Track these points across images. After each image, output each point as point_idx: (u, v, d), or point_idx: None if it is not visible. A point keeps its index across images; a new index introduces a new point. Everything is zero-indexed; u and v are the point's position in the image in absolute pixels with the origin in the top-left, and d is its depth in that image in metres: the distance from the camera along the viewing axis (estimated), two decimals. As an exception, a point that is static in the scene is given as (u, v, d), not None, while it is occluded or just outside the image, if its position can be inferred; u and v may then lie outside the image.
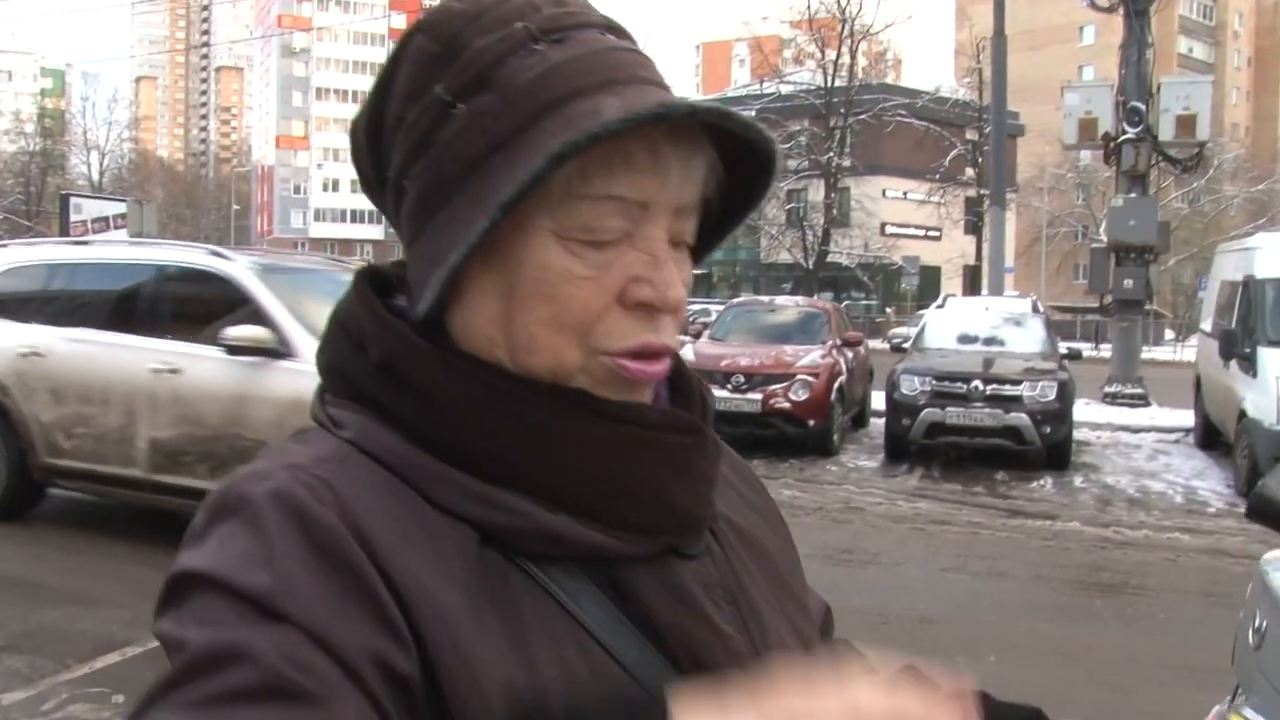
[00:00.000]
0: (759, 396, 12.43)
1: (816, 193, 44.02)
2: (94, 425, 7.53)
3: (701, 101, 0.76)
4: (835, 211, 43.44)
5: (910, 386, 12.25)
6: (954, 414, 11.91)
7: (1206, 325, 14.44)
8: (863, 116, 41.80)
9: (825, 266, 43.23)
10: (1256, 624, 2.80)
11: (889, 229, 47.14)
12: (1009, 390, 11.83)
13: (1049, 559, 8.11)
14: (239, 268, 7.42)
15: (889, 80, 50.06)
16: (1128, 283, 15.90)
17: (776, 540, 0.97)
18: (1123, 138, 16.02)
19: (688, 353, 13.38)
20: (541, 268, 0.77)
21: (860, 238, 44.76)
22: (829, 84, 40.30)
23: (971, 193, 43.22)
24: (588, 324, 0.78)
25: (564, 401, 0.78)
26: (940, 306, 15.16)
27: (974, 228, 42.39)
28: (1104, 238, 16.53)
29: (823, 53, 41.05)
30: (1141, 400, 16.59)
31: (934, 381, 12.11)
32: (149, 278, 7.83)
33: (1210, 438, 13.56)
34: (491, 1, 0.79)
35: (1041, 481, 11.36)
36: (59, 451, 7.70)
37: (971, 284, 35.23)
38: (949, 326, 13.95)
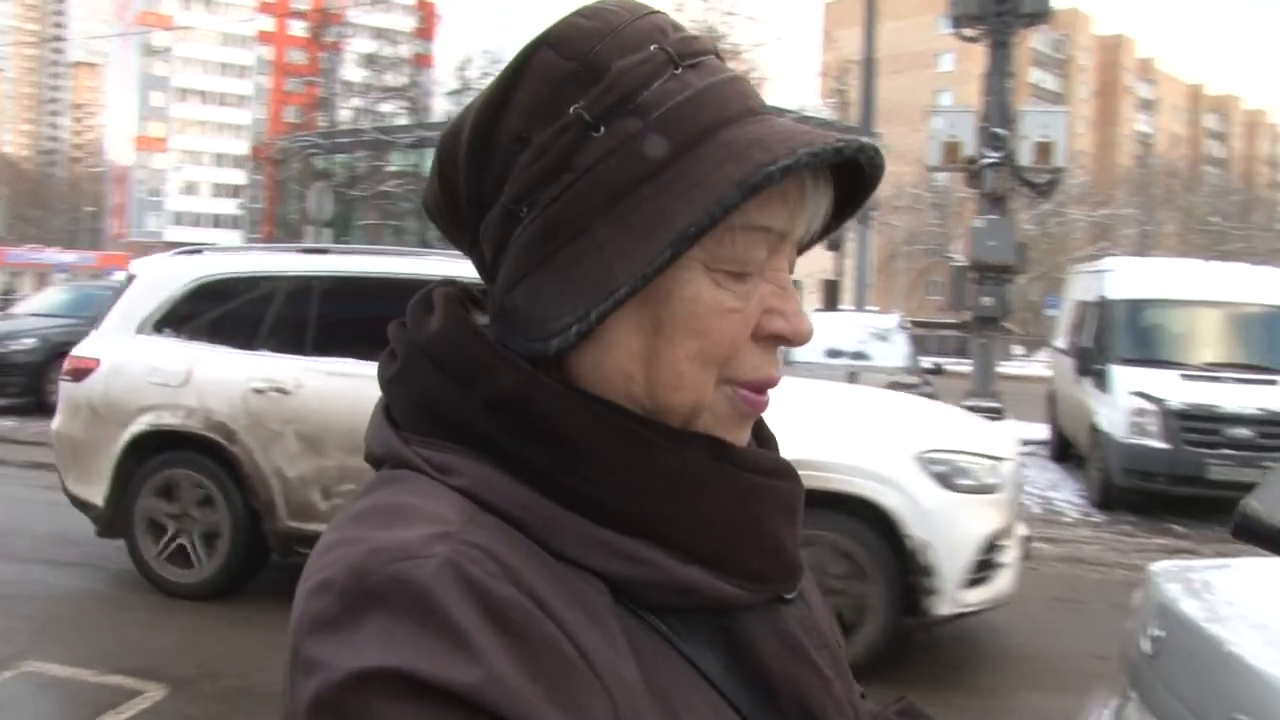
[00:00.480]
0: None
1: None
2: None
3: (863, 139, 0.76)
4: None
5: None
6: (824, 427, 12.10)
7: (1060, 342, 15.04)
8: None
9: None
10: (1152, 633, 2.93)
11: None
12: (876, 404, 12.10)
13: (918, 568, 8.32)
14: None
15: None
16: (986, 301, 16.43)
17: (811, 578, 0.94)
18: (984, 161, 16.58)
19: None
20: (692, 301, 0.74)
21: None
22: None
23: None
24: (729, 358, 0.76)
25: (702, 450, 0.75)
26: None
27: (834, 244, 43.29)
28: (960, 256, 17.08)
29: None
30: (997, 414, 17.16)
31: (804, 395, 12.31)
32: None
33: (1063, 450, 14.15)
34: (620, 20, 0.76)
35: (907, 493, 11.63)
36: (311, 514, 6.14)
37: (830, 298, 35.90)
38: (816, 341, 14.21)
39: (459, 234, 0.80)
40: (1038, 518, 10.66)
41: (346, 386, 6.00)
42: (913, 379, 12.81)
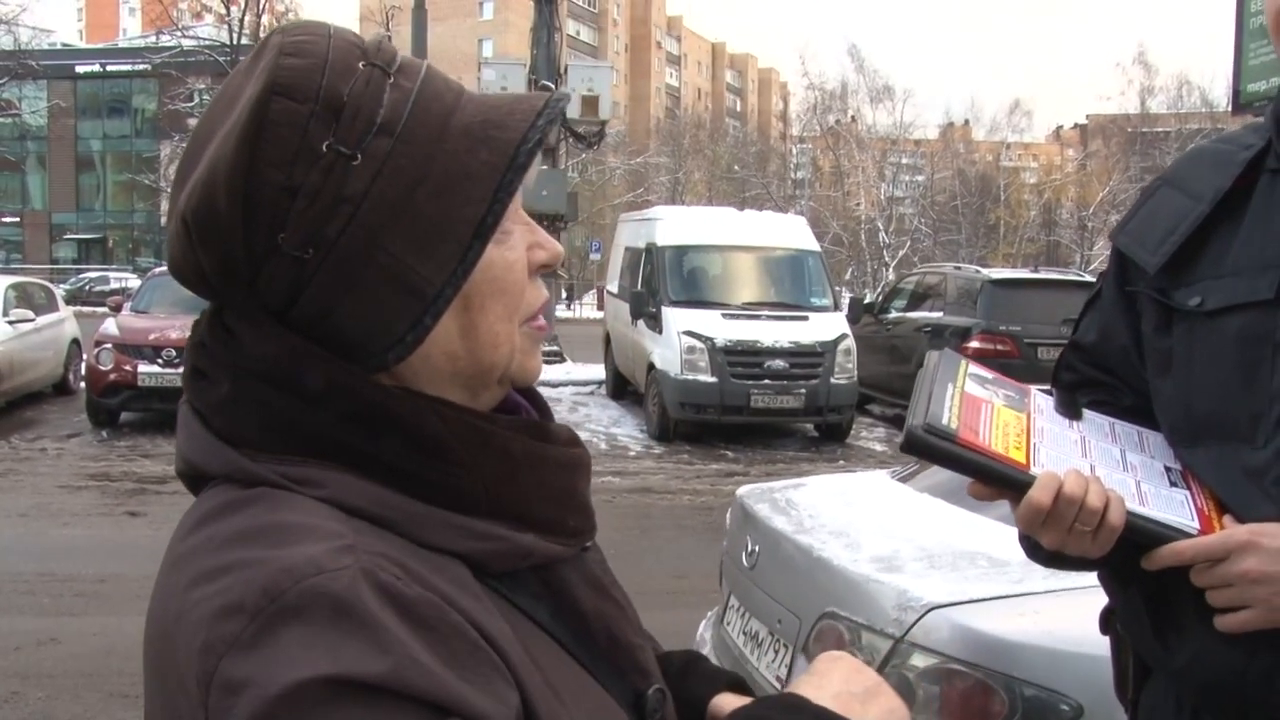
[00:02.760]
0: (194, 369, 11.91)
1: (224, 154, 42.38)
2: None
3: (563, 96, 0.88)
4: (244, 175, 42.10)
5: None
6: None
7: (613, 287, 15.91)
8: (271, 77, 40.75)
9: (236, 231, 41.79)
10: (749, 549, 3.32)
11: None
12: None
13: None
14: None
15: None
16: (543, 249, 17.08)
17: None
18: (536, 113, 17.16)
19: (110, 327, 12.50)
20: (488, 269, 0.82)
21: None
22: (234, 41, 38.79)
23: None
24: (520, 301, 0.86)
25: (530, 433, 0.86)
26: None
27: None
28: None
29: (227, 9, 39.44)
30: (558, 356, 17.94)
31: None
32: None
33: (620, 388, 15.05)
34: (322, 49, 0.79)
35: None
36: None
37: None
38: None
39: (225, 289, 0.80)
40: (606, 454, 11.34)
41: None
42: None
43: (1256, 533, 1.26)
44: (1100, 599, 1.96)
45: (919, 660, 2.52)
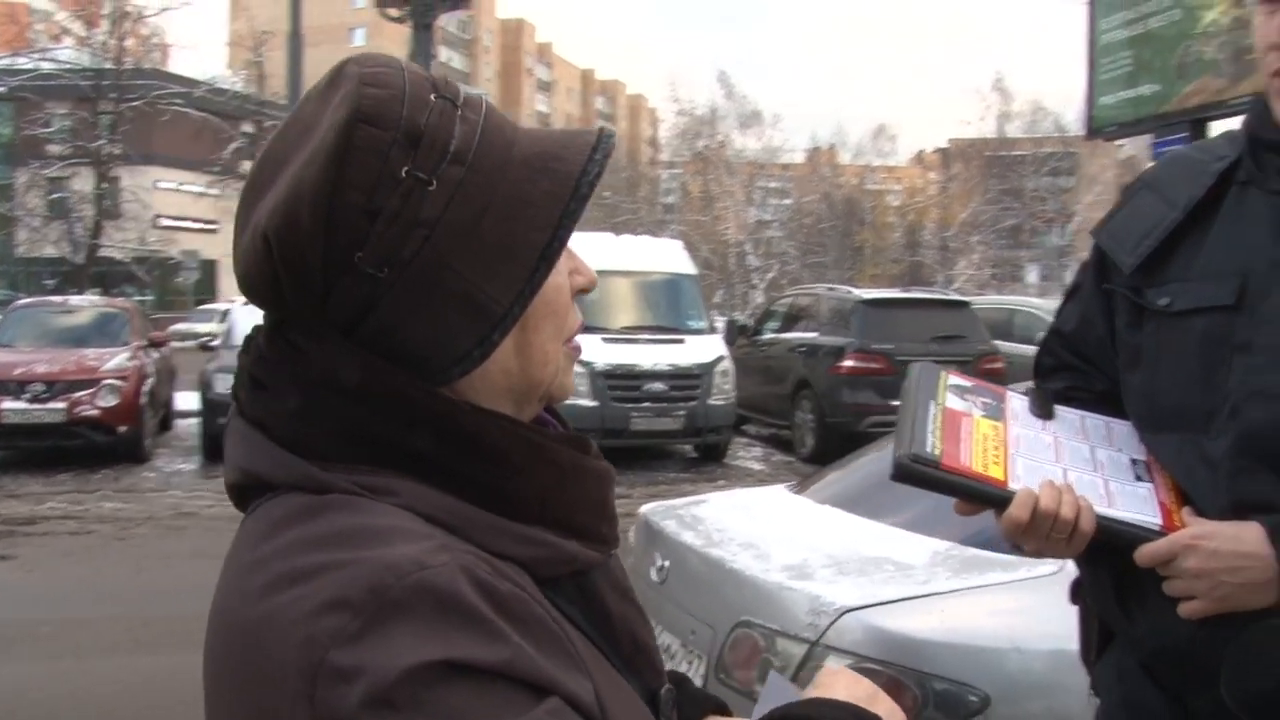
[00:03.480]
0: (63, 405, 11.55)
1: (85, 182, 41.06)
2: None
3: (611, 131, 0.91)
4: (107, 203, 40.84)
5: (225, 385, 12.05)
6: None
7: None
8: (135, 103, 39.62)
9: (96, 261, 40.48)
10: (659, 565, 3.40)
11: (164, 221, 45.22)
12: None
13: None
14: None
15: (157, 66, 47.79)
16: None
17: None
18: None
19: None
20: (543, 290, 0.87)
21: (135, 230, 42.42)
22: (97, 65, 37.70)
23: (251, 186, 42.75)
24: (565, 321, 0.92)
25: (575, 446, 0.91)
26: (247, 303, 15.06)
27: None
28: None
29: (88, 31, 38.32)
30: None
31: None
32: None
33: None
34: (400, 81, 0.84)
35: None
36: None
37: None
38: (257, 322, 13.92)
39: (298, 304, 0.84)
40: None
41: None
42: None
43: (1197, 536, 1.42)
44: (997, 597, 2.09)
45: (833, 662, 2.63)
